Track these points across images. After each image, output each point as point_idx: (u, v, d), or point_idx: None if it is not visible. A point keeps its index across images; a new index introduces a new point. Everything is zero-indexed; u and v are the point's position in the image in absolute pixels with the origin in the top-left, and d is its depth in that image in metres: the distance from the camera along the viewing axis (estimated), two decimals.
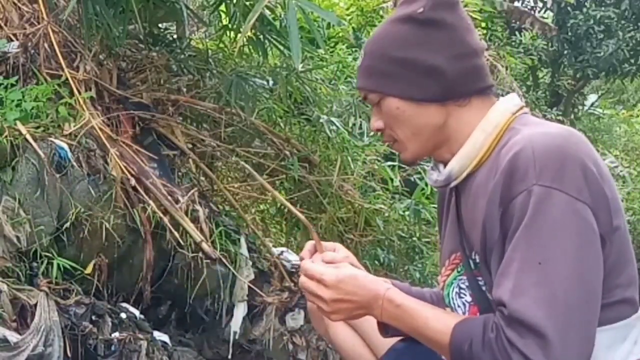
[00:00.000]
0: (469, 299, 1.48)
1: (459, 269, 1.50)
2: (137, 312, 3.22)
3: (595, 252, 1.27)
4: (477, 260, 1.43)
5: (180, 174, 3.90)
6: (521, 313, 1.23)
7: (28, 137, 3.03)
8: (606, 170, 1.36)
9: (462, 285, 1.49)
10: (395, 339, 1.60)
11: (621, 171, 8.76)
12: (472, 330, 1.30)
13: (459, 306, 1.50)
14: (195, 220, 3.38)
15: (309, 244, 1.60)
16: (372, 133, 4.76)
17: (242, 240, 3.61)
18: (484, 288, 1.43)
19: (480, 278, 1.44)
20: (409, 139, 1.47)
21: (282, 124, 4.50)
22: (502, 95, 1.54)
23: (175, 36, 4.58)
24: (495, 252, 1.34)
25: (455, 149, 1.46)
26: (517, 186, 1.29)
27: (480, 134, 1.43)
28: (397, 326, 1.43)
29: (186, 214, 3.36)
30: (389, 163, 4.64)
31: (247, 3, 3.66)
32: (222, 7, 4.20)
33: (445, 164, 1.50)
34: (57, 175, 3.04)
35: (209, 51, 4.49)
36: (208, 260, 3.32)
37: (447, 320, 1.36)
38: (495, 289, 1.30)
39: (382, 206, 4.51)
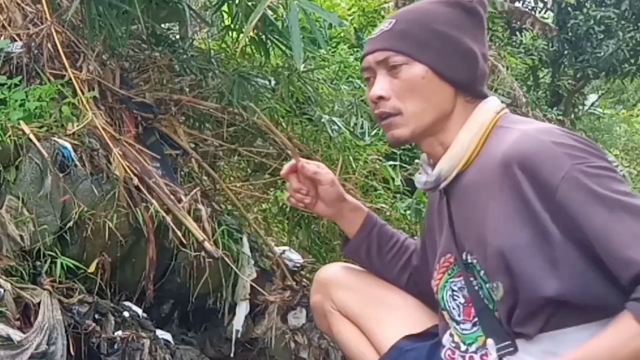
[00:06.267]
0: (462, 300, 1.49)
1: (450, 272, 1.51)
2: (139, 311, 3.23)
3: None
4: (469, 260, 1.44)
5: (182, 173, 3.91)
6: None
7: (31, 136, 3.04)
8: None
9: (455, 287, 1.50)
10: (397, 337, 1.61)
11: (621, 171, 8.77)
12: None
13: (453, 308, 1.51)
14: (197, 219, 3.39)
15: (289, 163, 1.67)
16: (373, 132, 4.77)
17: (244, 239, 3.61)
18: (476, 288, 1.44)
19: (472, 279, 1.45)
20: (415, 115, 1.45)
21: (284, 124, 4.51)
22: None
23: (177, 36, 4.60)
24: (537, 240, 1.32)
25: (446, 141, 1.47)
26: (553, 176, 1.30)
27: (467, 134, 1.44)
28: None
29: (189, 213, 3.37)
30: (391, 162, 4.66)
31: (250, 3, 3.68)
32: (225, 8, 4.21)
33: (432, 165, 1.51)
34: (61, 175, 3.05)
35: (212, 51, 4.50)
36: (210, 259, 3.33)
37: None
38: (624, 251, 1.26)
39: (384, 205, 4.52)
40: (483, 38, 1.50)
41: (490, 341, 1.40)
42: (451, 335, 1.54)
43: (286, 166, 1.69)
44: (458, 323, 1.50)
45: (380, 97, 1.46)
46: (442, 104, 1.45)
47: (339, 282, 1.75)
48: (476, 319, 1.46)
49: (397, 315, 1.64)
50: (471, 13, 1.48)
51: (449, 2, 1.47)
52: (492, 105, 1.48)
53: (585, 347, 1.29)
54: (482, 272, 1.41)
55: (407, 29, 1.46)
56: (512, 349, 1.38)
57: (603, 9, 10.84)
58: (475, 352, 1.47)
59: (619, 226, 1.26)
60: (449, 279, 1.51)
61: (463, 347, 1.50)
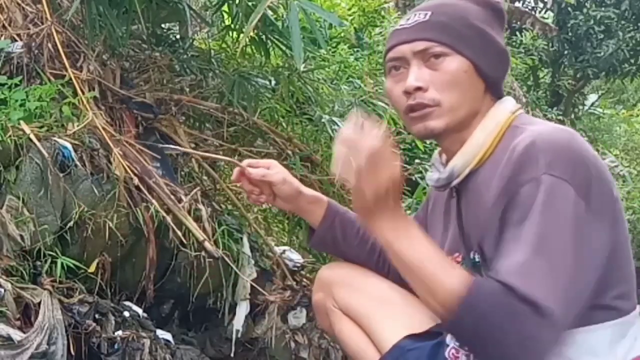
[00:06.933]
0: None
1: None
2: (140, 311, 3.23)
3: (589, 252, 1.29)
4: (477, 260, 1.44)
5: (183, 173, 3.92)
6: (531, 294, 1.23)
7: (32, 136, 3.04)
8: (606, 171, 1.38)
9: None
10: (399, 337, 1.61)
11: (621, 170, 8.76)
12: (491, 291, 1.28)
13: None
14: (197, 219, 3.39)
15: (237, 169, 1.70)
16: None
17: (245, 239, 3.62)
18: None
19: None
20: (452, 108, 1.43)
21: (284, 124, 4.51)
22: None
23: (178, 36, 4.60)
24: (493, 240, 1.34)
25: (465, 139, 1.46)
26: (526, 175, 1.30)
27: (482, 132, 1.44)
28: (390, 241, 1.35)
29: (189, 213, 3.37)
30: None
31: (250, 4, 3.68)
32: (225, 8, 4.21)
33: (445, 164, 1.51)
34: (61, 175, 3.05)
35: (212, 51, 4.50)
36: (211, 259, 3.33)
37: (461, 271, 1.33)
38: (502, 262, 1.28)
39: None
40: (503, 37, 1.51)
41: None
42: None
43: (235, 172, 1.73)
44: None
45: (418, 88, 1.43)
46: (475, 100, 1.45)
47: (341, 280, 1.75)
48: None
49: (399, 315, 1.64)
50: (499, 13, 1.49)
51: (478, 0, 1.48)
52: (508, 105, 1.48)
53: (413, 244, 1.33)
54: (487, 271, 1.41)
55: (447, 21, 1.43)
56: None
57: (603, 9, 10.85)
58: None
59: (527, 257, 1.26)
60: None
61: None
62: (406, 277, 1.37)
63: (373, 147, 1.32)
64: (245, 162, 1.75)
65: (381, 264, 1.77)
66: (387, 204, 1.34)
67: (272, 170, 1.73)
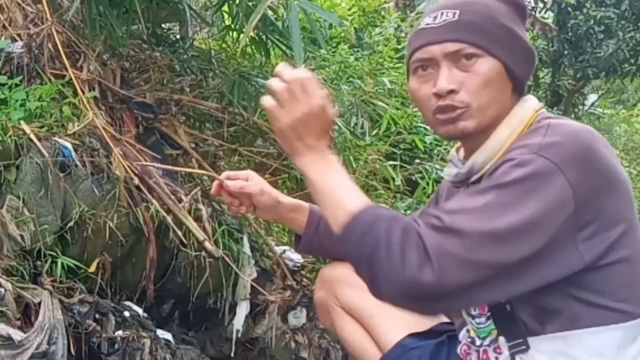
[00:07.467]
0: None
1: None
2: (140, 311, 3.23)
3: (546, 230, 1.25)
4: None
5: (183, 173, 3.91)
6: (451, 224, 1.23)
7: (32, 136, 3.04)
8: (624, 179, 1.36)
9: None
10: (401, 335, 1.61)
11: None
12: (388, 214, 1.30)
13: None
14: (198, 219, 3.39)
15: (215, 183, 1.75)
16: (373, 132, 4.78)
17: (245, 239, 3.62)
18: None
19: None
20: (482, 109, 1.41)
21: None
22: None
23: (178, 36, 4.60)
24: None
25: (488, 137, 1.45)
26: (512, 152, 1.31)
27: (506, 128, 1.43)
28: (307, 173, 1.40)
29: (189, 213, 3.37)
30: (391, 162, 4.66)
31: (250, 4, 3.68)
32: (225, 8, 4.22)
33: (463, 162, 1.50)
34: (61, 175, 3.06)
35: (212, 51, 4.51)
36: (211, 259, 3.33)
37: (367, 199, 1.36)
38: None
39: (384, 205, 4.51)
40: (526, 34, 1.50)
41: (502, 339, 1.40)
42: (467, 330, 1.54)
43: (214, 186, 1.77)
44: (473, 317, 1.50)
45: (451, 91, 1.41)
46: (504, 100, 1.43)
47: (344, 279, 1.75)
48: (490, 313, 1.46)
49: (401, 313, 1.63)
50: (522, 10, 1.47)
51: None
52: (532, 103, 1.47)
53: (328, 174, 1.37)
54: None
55: (478, 21, 1.41)
56: (524, 347, 1.37)
57: (603, 9, 10.84)
58: (488, 346, 1.46)
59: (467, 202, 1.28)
60: None
61: (478, 342, 1.49)
62: (320, 206, 1.40)
63: (295, 77, 1.40)
64: (224, 174, 1.79)
65: None
66: (308, 137, 1.39)
67: (250, 181, 1.76)
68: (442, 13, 1.43)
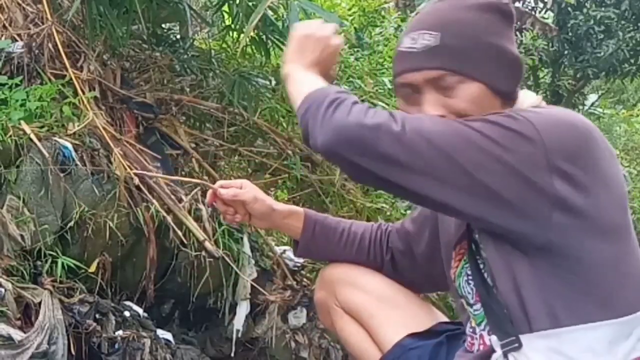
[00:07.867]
0: (474, 283, 1.49)
1: (465, 259, 1.51)
2: (140, 311, 3.23)
3: (495, 164, 1.29)
4: (476, 238, 1.44)
5: (183, 173, 3.91)
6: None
7: (32, 136, 3.04)
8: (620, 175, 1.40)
9: (469, 272, 1.50)
10: (400, 336, 1.61)
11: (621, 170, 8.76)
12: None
13: (468, 292, 1.52)
14: (198, 219, 3.39)
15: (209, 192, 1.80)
16: None
17: (245, 238, 3.62)
18: (481, 266, 1.44)
19: (477, 258, 1.45)
20: None
21: (284, 124, 4.51)
22: None
23: (178, 36, 4.60)
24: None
25: None
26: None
27: None
28: (287, 75, 1.52)
29: (189, 212, 3.37)
30: None
31: (250, 4, 3.68)
32: (225, 8, 4.22)
33: None
34: (62, 175, 3.06)
35: (212, 51, 4.51)
36: (211, 259, 3.33)
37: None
38: None
39: (384, 205, 4.52)
40: (514, 38, 1.48)
41: (494, 338, 1.40)
42: (470, 322, 1.54)
43: (208, 195, 1.81)
44: (472, 306, 1.50)
45: (441, 117, 1.40)
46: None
47: (344, 279, 1.76)
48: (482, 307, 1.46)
49: (401, 314, 1.65)
50: (507, 16, 1.45)
51: (484, 6, 1.43)
52: (531, 100, 1.47)
53: (304, 78, 1.47)
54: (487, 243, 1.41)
55: (459, 45, 1.38)
56: (516, 345, 1.37)
57: (603, 9, 10.84)
58: (484, 330, 1.47)
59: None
60: (465, 264, 1.51)
61: (477, 330, 1.50)
62: (292, 102, 1.48)
63: (319, 27, 1.56)
64: (218, 183, 1.81)
65: (372, 258, 1.79)
66: (303, 59, 1.52)
67: (244, 189, 1.78)
68: (422, 35, 1.41)
